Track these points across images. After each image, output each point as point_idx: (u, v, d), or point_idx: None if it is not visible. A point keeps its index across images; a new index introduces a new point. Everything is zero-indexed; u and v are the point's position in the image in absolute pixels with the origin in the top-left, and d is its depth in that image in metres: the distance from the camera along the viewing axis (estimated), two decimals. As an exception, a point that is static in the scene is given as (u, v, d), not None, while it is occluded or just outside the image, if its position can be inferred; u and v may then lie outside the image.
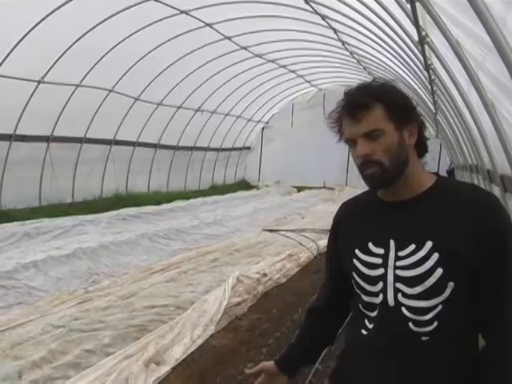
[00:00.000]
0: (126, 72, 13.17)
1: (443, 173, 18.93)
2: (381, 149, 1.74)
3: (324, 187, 22.87)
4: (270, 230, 12.50)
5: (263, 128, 24.65)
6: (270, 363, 2.21)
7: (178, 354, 5.20)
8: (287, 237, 11.59)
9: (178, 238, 11.06)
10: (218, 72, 16.08)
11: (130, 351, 5.05)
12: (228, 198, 18.75)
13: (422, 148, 1.87)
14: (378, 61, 13.19)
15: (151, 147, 17.35)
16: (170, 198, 17.13)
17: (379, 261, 1.82)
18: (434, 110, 11.83)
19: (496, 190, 5.83)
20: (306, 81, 21.20)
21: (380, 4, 6.74)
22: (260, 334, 6.05)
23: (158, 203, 15.66)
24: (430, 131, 18.41)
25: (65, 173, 13.56)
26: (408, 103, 1.81)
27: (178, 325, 5.81)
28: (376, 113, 1.73)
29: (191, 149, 19.78)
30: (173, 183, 18.99)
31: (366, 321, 1.88)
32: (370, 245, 1.86)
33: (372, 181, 1.78)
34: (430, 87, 8.84)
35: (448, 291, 1.70)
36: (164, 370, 4.83)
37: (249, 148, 24.79)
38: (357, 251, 1.89)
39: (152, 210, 14.11)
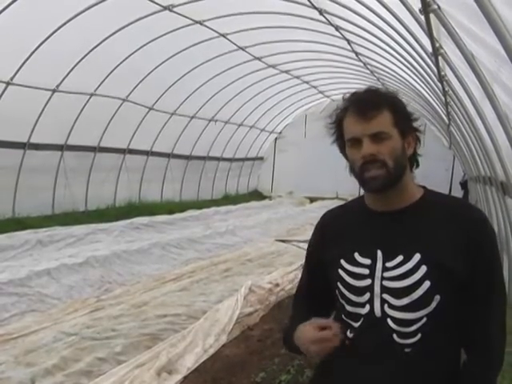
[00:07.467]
0: (141, 81, 13.27)
1: (456, 184, 18.95)
2: (386, 151, 1.72)
3: (337, 198, 22.75)
4: (283, 241, 12.47)
5: (276, 138, 24.65)
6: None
7: (189, 362, 5.19)
8: (299, 247, 11.55)
9: (191, 248, 11.05)
10: (232, 82, 16.14)
11: (141, 360, 5.06)
12: (241, 208, 18.75)
13: (413, 161, 1.87)
14: (391, 72, 13.17)
15: (164, 157, 17.41)
16: (182, 207, 17.15)
17: (366, 271, 1.81)
18: (447, 122, 11.81)
19: (510, 202, 5.82)
20: (319, 91, 21.20)
21: (394, 15, 6.74)
22: (272, 344, 5.98)
23: (171, 212, 15.69)
24: (443, 142, 18.40)
25: (78, 181, 13.64)
26: (411, 114, 1.83)
27: (190, 334, 5.81)
28: (386, 116, 1.73)
29: (204, 158, 19.81)
30: (186, 193, 19.01)
31: (347, 331, 1.86)
32: (357, 255, 1.84)
33: (374, 183, 1.75)
34: (443, 98, 8.83)
35: (434, 304, 1.70)
36: (176, 378, 4.82)
37: (262, 158, 24.80)
38: (342, 261, 1.87)
39: (165, 219, 14.14)
